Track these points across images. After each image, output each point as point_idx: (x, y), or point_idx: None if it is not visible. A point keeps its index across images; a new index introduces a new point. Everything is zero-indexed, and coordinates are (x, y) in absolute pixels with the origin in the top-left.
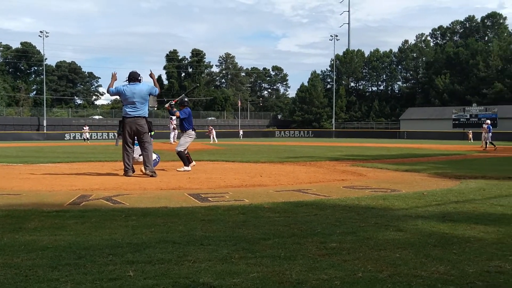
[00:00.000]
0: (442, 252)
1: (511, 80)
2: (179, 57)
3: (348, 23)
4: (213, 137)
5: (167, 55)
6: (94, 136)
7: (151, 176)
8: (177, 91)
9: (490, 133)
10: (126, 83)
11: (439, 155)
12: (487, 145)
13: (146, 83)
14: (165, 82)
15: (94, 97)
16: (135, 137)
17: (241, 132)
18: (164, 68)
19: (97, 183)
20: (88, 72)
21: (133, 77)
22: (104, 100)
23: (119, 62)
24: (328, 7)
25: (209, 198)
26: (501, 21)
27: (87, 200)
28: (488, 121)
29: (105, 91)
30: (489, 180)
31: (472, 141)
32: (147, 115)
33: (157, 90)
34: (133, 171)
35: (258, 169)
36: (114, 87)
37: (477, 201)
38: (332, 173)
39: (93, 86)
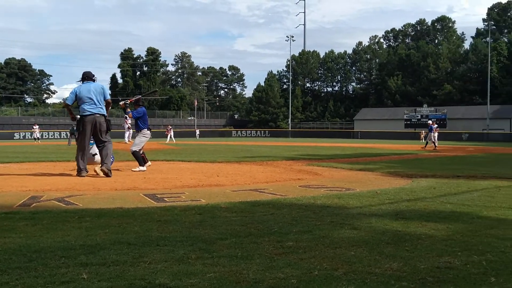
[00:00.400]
0: (395, 249)
1: (459, 82)
2: (134, 56)
3: (304, 24)
4: (170, 137)
5: (121, 53)
6: (45, 136)
7: (106, 175)
8: (132, 90)
9: (432, 133)
10: (80, 83)
11: (391, 154)
12: (427, 145)
13: (100, 83)
14: (120, 81)
15: (45, 95)
16: (94, 136)
17: (197, 132)
18: (119, 66)
19: (48, 183)
20: (39, 70)
21: (87, 76)
22: (56, 98)
23: (71, 59)
24: (284, 8)
25: (165, 199)
26: (450, 24)
27: (38, 201)
28: (430, 121)
29: (57, 90)
30: (439, 179)
31: (424, 140)
32: (105, 114)
33: (109, 96)
34: (87, 172)
35: (214, 169)
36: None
37: (428, 199)
38: (289, 172)
39: (44, 84)
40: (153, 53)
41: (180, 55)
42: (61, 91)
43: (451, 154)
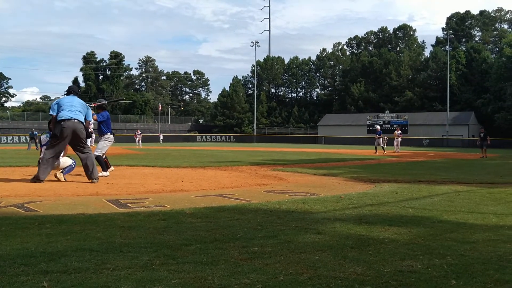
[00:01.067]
0: (358, 254)
1: (420, 89)
2: (97, 59)
3: (269, 30)
4: (138, 141)
5: (84, 56)
6: (4, 140)
7: (92, 182)
8: (94, 94)
9: (381, 139)
10: (64, 96)
11: (355, 159)
12: (377, 150)
13: (84, 102)
14: (82, 84)
15: (3, 98)
16: (73, 142)
17: (161, 137)
18: (81, 70)
19: (7, 189)
20: None
21: (73, 91)
22: (15, 102)
23: (32, 62)
24: (249, 13)
25: (129, 204)
26: (411, 33)
27: None
28: (378, 127)
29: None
30: (401, 184)
31: (386, 146)
32: (84, 123)
33: (91, 118)
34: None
35: (179, 174)
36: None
37: (390, 203)
38: (254, 177)
39: (3, 87)
40: (116, 57)
41: (144, 59)
42: (20, 94)
43: (412, 160)
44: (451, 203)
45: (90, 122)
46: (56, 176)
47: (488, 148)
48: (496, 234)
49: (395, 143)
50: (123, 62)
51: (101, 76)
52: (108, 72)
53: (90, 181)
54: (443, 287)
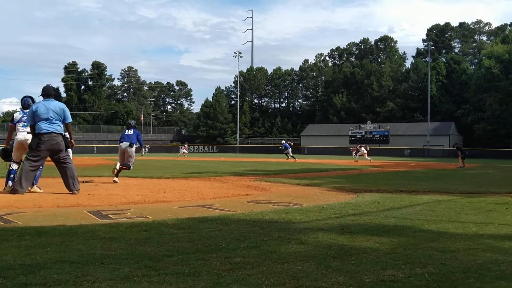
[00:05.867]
0: (341, 263)
1: (401, 100)
2: (79, 70)
3: (252, 41)
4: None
5: (65, 67)
6: None
7: (72, 193)
8: (76, 105)
9: (289, 149)
10: (41, 98)
11: (337, 170)
12: (289, 158)
13: (61, 103)
14: (64, 95)
15: None
16: (52, 155)
17: (147, 147)
18: (63, 80)
19: None
20: None
21: (47, 93)
22: None
23: (11, 73)
24: (230, 24)
25: (110, 215)
26: (392, 44)
27: None
28: (283, 141)
29: None
30: (383, 194)
31: (355, 156)
32: (63, 132)
33: (69, 119)
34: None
35: (161, 185)
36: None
37: (372, 213)
38: (236, 188)
39: None
40: (98, 67)
41: (126, 69)
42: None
43: (394, 170)
44: (432, 213)
45: (70, 123)
46: (31, 191)
47: (468, 158)
48: (476, 243)
49: (356, 153)
50: (105, 73)
51: (82, 87)
52: (90, 83)
53: (71, 192)
54: None
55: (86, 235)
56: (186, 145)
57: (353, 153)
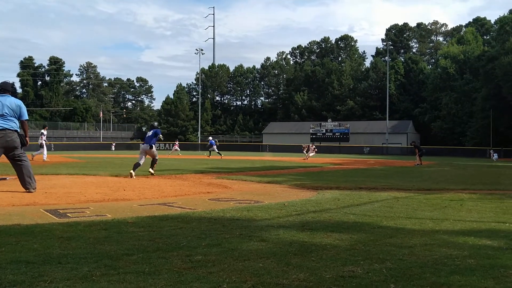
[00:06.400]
0: (301, 260)
1: (361, 98)
2: (35, 65)
3: (213, 38)
4: (176, 150)
5: (21, 61)
6: None
7: (28, 191)
8: (32, 101)
9: (214, 146)
10: None
11: (298, 167)
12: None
13: (17, 99)
14: (19, 90)
15: None
16: (6, 153)
17: (113, 145)
18: (18, 75)
19: None
20: None
21: (4, 88)
22: None
23: None
24: (191, 21)
25: (68, 214)
26: (352, 43)
27: None
28: (210, 138)
29: None
30: (343, 191)
31: (306, 153)
32: (18, 130)
33: (26, 117)
34: None
35: (121, 183)
36: None
37: (332, 210)
38: (198, 186)
39: None
40: (56, 63)
41: (85, 65)
42: None
43: (353, 167)
44: (390, 209)
45: (26, 120)
46: None
47: (425, 156)
48: (432, 238)
49: (308, 152)
50: (63, 68)
51: (39, 82)
52: (47, 78)
53: (27, 190)
54: None
55: (42, 235)
56: (177, 142)
57: (304, 150)
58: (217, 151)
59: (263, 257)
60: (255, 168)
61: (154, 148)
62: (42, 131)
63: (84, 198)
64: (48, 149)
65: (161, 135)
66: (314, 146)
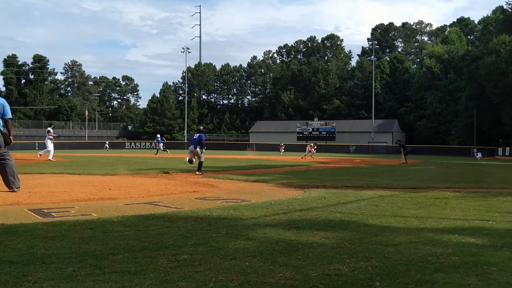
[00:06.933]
0: (288, 258)
1: (347, 97)
2: (19, 63)
3: (200, 37)
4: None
5: (5, 59)
6: None
7: (12, 191)
8: (16, 99)
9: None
10: None
11: (285, 166)
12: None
13: (1, 98)
14: (3, 89)
15: None
16: None
17: (106, 143)
18: (2, 73)
19: None
20: None
21: None
22: None
23: None
24: (177, 19)
25: (53, 213)
26: (338, 42)
27: None
28: (158, 135)
29: None
30: (329, 189)
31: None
32: (2, 128)
33: (9, 115)
34: None
35: (106, 182)
36: None
37: (319, 208)
38: (184, 185)
39: None
40: (40, 61)
41: (70, 63)
42: None
43: (339, 166)
44: (376, 208)
45: (10, 119)
46: None
47: (410, 155)
48: (417, 236)
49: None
50: (47, 66)
51: (23, 80)
52: (31, 76)
53: (10, 190)
54: None
55: (26, 234)
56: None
57: (312, 149)
58: (162, 149)
59: (250, 255)
60: (241, 167)
61: (198, 149)
62: (49, 129)
63: (69, 197)
64: (32, 148)
65: (203, 140)
66: (315, 147)
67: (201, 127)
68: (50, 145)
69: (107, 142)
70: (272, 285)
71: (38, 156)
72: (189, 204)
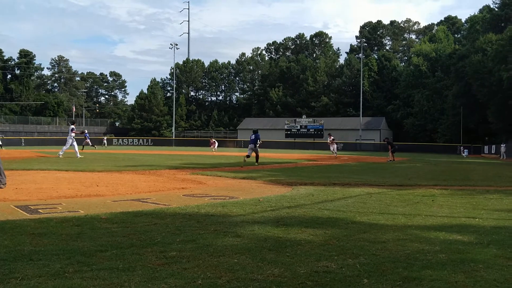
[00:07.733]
0: (276, 255)
1: (335, 95)
2: (4, 58)
3: (188, 33)
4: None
5: None
6: None
7: None
8: (1, 95)
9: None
10: None
11: (273, 163)
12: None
13: None
14: None
15: None
16: None
17: (104, 140)
18: None
19: None
20: None
21: None
22: None
23: None
24: (165, 15)
25: (40, 210)
26: (327, 40)
27: None
28: (85, 130)
29: None
30: (317, 186)
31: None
32: None
33: None
34: None
35: (94, 179)
36: None
37: (307, 206)
38: (172, 181)
39: None
40: (26, 56)
41: (57, 59)
42: None
43: (327, 163)
44: (363, 205)
45: None
46: None
47: (397, 152)
48: (404, 234)
49: (331, 149)
50: (33, 61)
51: (9, 76)
52: (17, 72)
53: None
54: (356, 286)
55: (13, 231)
56: (105, 138)
57: (332, 147)
58: (90, 144)
59: (238, 252)
60: (230, 164)
61: (257, 147)
62: (72, 126)
63: (56, 193)
64: (18, 144)
65: (260, 139)
66: (332, 137)
67: (255, 128)
68: (71, 142)
69: (105, 138)
70: (260, 282)
71: (59, 155)
72: (177, 201)
